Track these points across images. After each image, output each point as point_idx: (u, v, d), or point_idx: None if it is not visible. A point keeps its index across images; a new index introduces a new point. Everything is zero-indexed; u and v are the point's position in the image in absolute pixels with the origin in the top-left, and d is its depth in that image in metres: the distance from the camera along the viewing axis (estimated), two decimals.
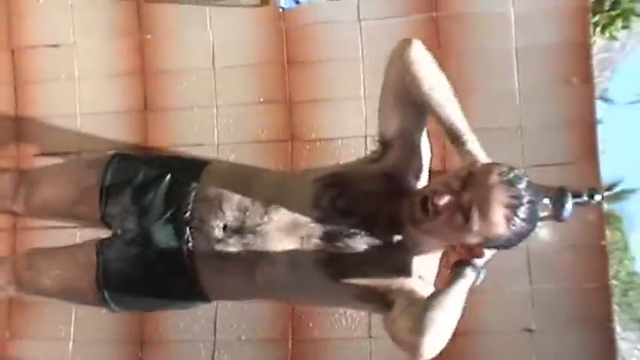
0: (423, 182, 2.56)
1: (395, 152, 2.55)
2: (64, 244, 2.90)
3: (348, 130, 3.91)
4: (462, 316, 3.75)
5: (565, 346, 3.78)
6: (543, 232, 3.74)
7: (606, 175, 3.83)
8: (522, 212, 2.25)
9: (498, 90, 3.83)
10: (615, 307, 3.98)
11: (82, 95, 4.13)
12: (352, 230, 2.44)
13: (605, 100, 9.85)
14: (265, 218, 2.46)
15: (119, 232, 2.64)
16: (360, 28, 3.95)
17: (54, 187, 2.82)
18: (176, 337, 4.00)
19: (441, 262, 2.61)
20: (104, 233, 2.76)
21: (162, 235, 2.56)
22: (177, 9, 4.07)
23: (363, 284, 2.45)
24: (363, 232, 2.44)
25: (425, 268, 2.51)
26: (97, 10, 4.14)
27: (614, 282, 3.96)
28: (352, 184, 2.51)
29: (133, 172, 2.72)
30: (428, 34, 3.88)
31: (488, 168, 2.30)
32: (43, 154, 4.11)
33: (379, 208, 2.46)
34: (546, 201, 3.60)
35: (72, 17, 4.16)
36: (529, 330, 3.79)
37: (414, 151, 2.55)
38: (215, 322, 3.95)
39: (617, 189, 11.12)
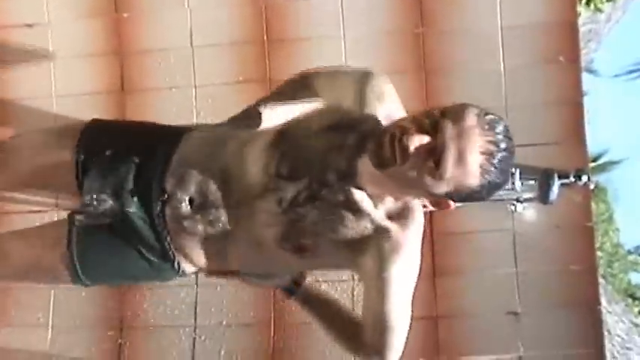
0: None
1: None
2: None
3: None
4: (447, 298, 3.76)
5: (551, 329, 3.74)
6: (529, 213, 3.69)
7: (591, 146, 3.79)
8: (499, 161, 2.00)
9: (483, 69, 3.78)
10: (600, 280, 3.95)
11: (57, 76, 4.05)
12: (301, 197, 2.24)
13: (591, 71, 9.86)
14: (224, 193, 2.33)
15: (92, 201, 2.54)
16: (342, 5, 3.88)
17: (27, 160, 2.69)
18: (156, 323, 3.95)
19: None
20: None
21: (136, 211, 2.44)
22: None
23: (326, 257, 2.30)
24: (312, 198, 2.24)
25: (392, 211, 2.25)
26: None
27: (598, 253, 3.92)
28: (295, 143, 2.30)
29: (107, 143, 2.58)
30: (411, 12, 3.84)
31: (463, 107, 2.04)
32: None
33: (326, 167, 2.23)
34: (532, 182, 3.58)
35: None
36: (514, 313, 3.75)
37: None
38: (195, 307, 3.90)
39: (602, 160, 11.18)
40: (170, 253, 2.44)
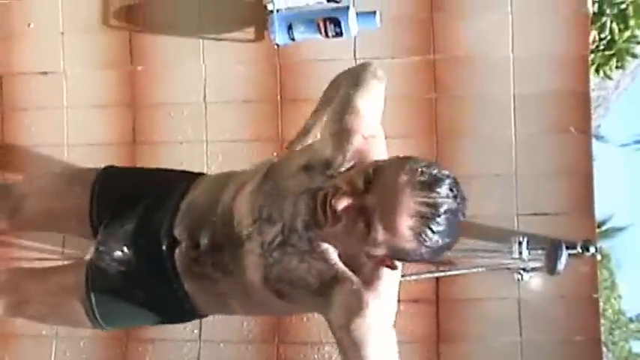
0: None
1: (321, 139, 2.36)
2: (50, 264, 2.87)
3: None
4: None
5: None
6: (535, 282, 3.68)
7: (596, 212, 3.77)
8: (436, 224, 1.89)
9: (494, 136, 3.77)
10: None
11: (70, 125, 4.07)
12: (276, 241, 2.20)
13: (597, 137, 9.88)
14: (224, 236, 2.33)
15: (107, 251, 2.55)
16: None
17: (40, 205, 2.74)
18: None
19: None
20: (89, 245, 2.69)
21: (148, 258, 2.49)
22: (170, 41, 4.01)
23: (302, 302, 2.29)
24: (284, 243, 2.19)
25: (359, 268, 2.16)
26: (88, 39, 4.08)
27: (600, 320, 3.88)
28: (275, 185, 2.27)
29: (120, 192, 2.65)
30: (424, 76, 3.84)
31: (398, 164, 1.96)
32: None
33: (296, 212, 2.17)
34: (540, 252, 3.57)
35: (62, 45, 4.09)
36: None
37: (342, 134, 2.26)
38: (201, 322, 3.83)
39: (606, 227, 11.14)
40: (182, 296, 2.47)
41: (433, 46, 3.83)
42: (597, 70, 5.32)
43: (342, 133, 2.24)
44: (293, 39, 3.71)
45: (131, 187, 2.68)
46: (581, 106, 3.77)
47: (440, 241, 1.93)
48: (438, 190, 1.89)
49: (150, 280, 2.49)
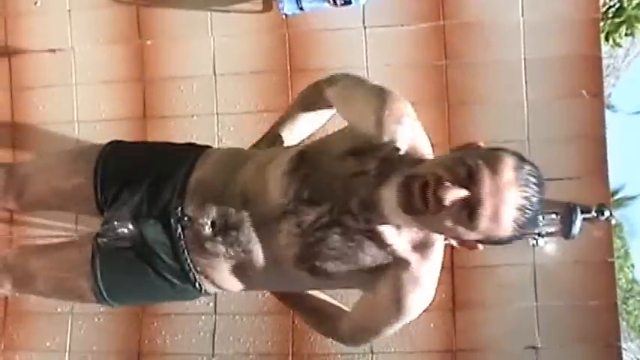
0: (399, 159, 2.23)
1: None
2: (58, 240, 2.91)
3: None
4: (467, 332, 3.73)
5: None
6: (550, 247, 3.67)
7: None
8: (530, 214, 1.99)
9: (506, 101, 3.76)
10: None
11: (80, 102, 4.06)
12: (321, 221, 2.23)
13: (608, 107, 9.85)
14: (244, 214, 2.32)
15: (112, 228, 2.53)
16: (365, 35, 3.88)
17: (45, 183, 2.71)
18: (173, 351, 3.94)
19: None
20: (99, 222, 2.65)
21: (155, 235, 2.46)
22: (178, 14, 4.00)
23: (345, 279, 2.29)
24: (332, 223, 2.22)
25: (414, 242, 2.24)
26: (95, 14, 4.07)
27: None
28: (316, 168, 2.27)
29: (125, 167, 2.62)
30: (434, 43, 3.83)
31: (500, 159, 2.00)
32: None
33: (348, 194, 2.21)
34: (554, 216, 3.55)
35: (70, 22, 4.08)
36: (534, 347, 3.72)
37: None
38: (213, 336, 3.89)
39: (618, 196, 11.11)
40: (191, 274, 2.46)
41: (442, 13, 3.82)
42: (607, 38, 5.30)
43: (389, 117, 2.24)
44: (301, 8, 3.70)
45: (135, 162, 2.64)
46: (592, 69, 3.75)
47: (528, 228, 2.02)
48: (533, 184, 1.99)
49: (156, 256, 2.47)
